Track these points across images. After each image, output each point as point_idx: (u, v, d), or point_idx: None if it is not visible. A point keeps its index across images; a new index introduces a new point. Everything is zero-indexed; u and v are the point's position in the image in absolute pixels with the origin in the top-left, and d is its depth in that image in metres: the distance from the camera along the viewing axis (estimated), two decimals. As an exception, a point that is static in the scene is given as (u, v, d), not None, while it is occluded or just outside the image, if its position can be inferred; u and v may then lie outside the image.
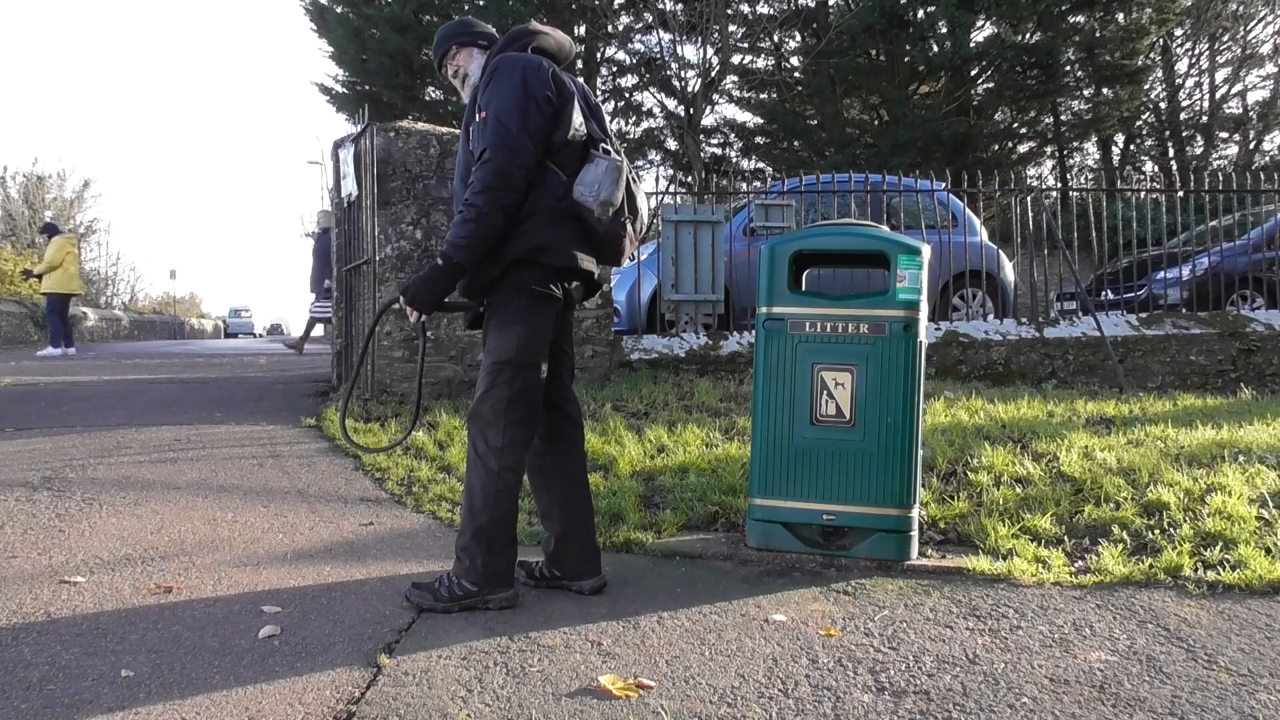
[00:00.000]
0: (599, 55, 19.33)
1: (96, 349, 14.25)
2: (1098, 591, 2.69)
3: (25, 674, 2.05)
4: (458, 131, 3.93)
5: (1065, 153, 22.22)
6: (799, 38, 20.06)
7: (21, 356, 11.01)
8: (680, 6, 18.23)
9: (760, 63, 20.14)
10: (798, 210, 7.37)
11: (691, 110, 18.83)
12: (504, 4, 15.82)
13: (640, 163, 19.87)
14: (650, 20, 18.68)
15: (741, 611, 2.53)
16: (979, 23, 17.80)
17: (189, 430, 5.00)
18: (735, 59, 19.19)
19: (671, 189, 11.56)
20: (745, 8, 19.46)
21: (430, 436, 4.63)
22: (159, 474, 4.02)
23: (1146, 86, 20.48)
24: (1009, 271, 8.37)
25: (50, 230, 12.50)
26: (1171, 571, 2.77)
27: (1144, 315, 7.49)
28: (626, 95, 20.45)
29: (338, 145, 6.64)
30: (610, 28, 19.25)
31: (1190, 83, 22.20)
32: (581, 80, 2.83)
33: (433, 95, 18.40)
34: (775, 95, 19.72)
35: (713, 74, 18.67)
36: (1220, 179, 9.70)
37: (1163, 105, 21.84)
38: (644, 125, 20.63)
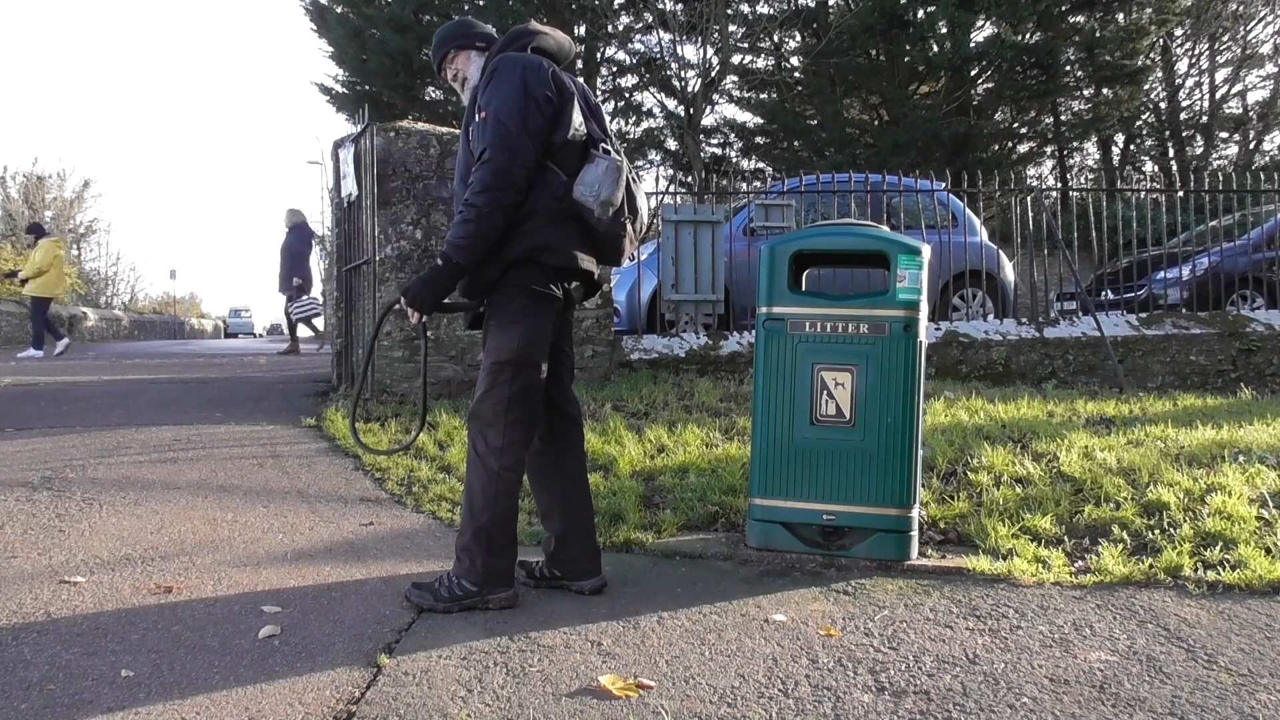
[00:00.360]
0: (599, 55, 19.31)
1: (96, 349, 14.24)
2: (1098, 591, 2.69)
3: (25, 674, 2.05)
4: (458, 131, 3.93)
5: (1065, 153, 22.22)
6: (799, 38, 20.05)
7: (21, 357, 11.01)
8: (680, 6, 18.23)
9: (760, 63, 20.14)
10: (798, 210, 7.36)
11: (691, 110, 18.83)
12: (504, 4, 15.82)
13: (640, 163, 19.87)
14: (650, 20, 18.68)
15: (741, 611, 2.53)
16: (979, 23, 17.79)
17: (189, 430, 5.00)
18: (735, 59, 19.19)
19: (671, 189, 11.56)
20: (745, 8, 19.48)
21: (430, 436, 4.63)
22: (159, 474, 4.02)
23: (1146, 86, 20.47)
24: (1009, 271, 8.37)
25: (37, 231, 11.64)
26: (1171, 571, 2.78)
27: (1144, 315, 7.49)
28: (626, 95, 20.44)
29: (338, 145, 6.64)
30: (610, 28, 19.24)
31: (1190, 83, 22.23)
32: (581, 80, 2.83)
33: (433, 95, 18.39)
34: (775, 95, 19.72)
35: (713, 74, 18.66)
36: (1220, 179, 9.70)
37: (1163, 105, 21.84)
38: (644, 125, 20.66)
